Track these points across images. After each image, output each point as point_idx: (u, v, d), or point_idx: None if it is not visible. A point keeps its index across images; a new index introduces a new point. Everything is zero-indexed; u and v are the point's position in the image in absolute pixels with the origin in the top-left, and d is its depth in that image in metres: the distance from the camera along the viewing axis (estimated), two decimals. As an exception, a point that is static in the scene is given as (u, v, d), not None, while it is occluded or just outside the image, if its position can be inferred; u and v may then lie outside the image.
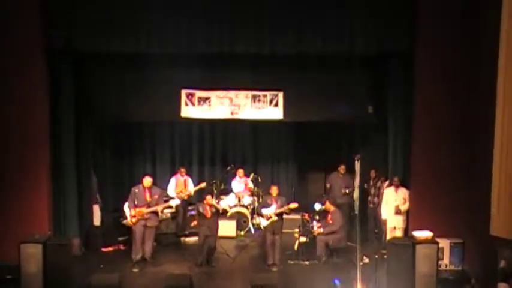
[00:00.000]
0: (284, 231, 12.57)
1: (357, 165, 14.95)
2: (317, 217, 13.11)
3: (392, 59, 12.47)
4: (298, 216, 13.58)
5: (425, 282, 10.37)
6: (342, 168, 14.10)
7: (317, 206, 13.46)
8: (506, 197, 10.53)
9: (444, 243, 11.33)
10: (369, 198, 13.77)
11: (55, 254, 10.36)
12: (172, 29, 11.77)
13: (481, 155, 10.99)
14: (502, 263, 10.49)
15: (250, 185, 14.72)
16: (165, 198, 12.82)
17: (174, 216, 13.88)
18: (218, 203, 13.28)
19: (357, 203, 14.64)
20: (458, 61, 11.39)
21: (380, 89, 13.21)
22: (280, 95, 13.24)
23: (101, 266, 11.87)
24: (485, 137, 10.77)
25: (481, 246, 11.17)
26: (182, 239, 13.77)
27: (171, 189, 13.89)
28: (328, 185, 14.09)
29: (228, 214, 14.05)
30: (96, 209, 13.47)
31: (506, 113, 10.41)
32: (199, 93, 13.31)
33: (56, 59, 12.03)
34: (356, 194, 14.69)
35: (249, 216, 14.23)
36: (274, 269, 11.95)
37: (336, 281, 10.42)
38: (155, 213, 12.04)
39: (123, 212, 12.59)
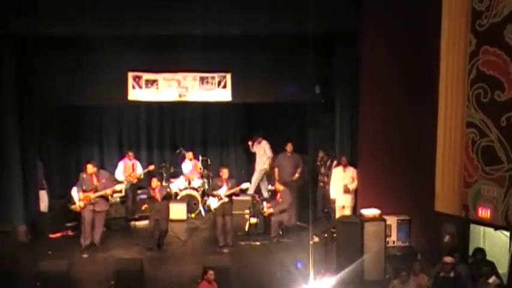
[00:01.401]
0: (235, 212, 12.61)
1: (257, 147, 14.99)
2: (267, 197, 13.19)
3: (339, 39, 12.58)
4: (248, 198, 13.62)
5: (374, 259, 10.60)
6: (289, 147, 14.14)
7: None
8: (449, 175, 10.85)
9: (391, 220, 11.55)
10: (319, 177, 13.90)
11: (0, 242, 10.12)
12: (118, 10, 11.56)
13: (426, 134, 11.24)
14: (447, 238, 10.81)
15: (200, 166, 14.66)
16: (113, 182, 12.64)
17: (123, 200, 13.72)
18: (168, 186, 13.20)
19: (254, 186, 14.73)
20: (402, 40, 11.56)
21: (327, 70, 13.32)
22: (228, 76, 13.20)
23: (49, 252, 11.69)
24: (430, 116, 11.03)
25: (426, 223, 11.47)
26: (132, 223, 13.64)
27: (119, 173, 13.73)
28: (275, 169, 14.12)
29: (178, 197, 14.00)
30: (43, 195, 13.22)
31: (448, 93, 10.72)
32: (146, 76, 13.15)
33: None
34: (255, 177, 14.81)
35: (200, 199, 14.19)
36: (226, 250, 11.98)
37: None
38: (104, 197, 11.89)
39: (71, 197, 12.36)
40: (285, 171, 13.92)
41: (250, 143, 15.05)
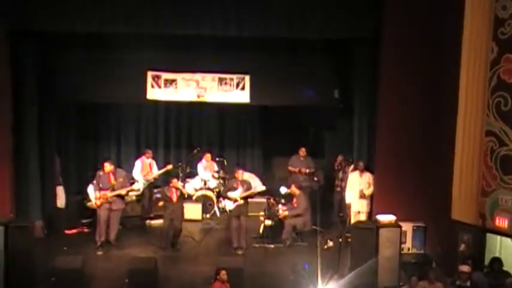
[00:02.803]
0: (250, 214, 12.60)
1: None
2: (282, 200, 13.17)
3: (358, 43, 12.52)
4: (263, 200, 13.60)
5: (388, 265, 10.51)
6: (302, 151, 14.13)
7: (283, 190, 13.53)
8: (467, 183, 10.77)
9: (407, 226, 11.48)
10: (336, 182, 13.85)
11: (17, 237, 10.17)
12: (138, 9, 11.61)
13: (444, 141, 11.17)
14: (462, 247, 10.74)
15: (215, 168, 14.67)
16: (131, 181, 12.71)
17: (139, 199, 13.76)
18: (184, 186, 13.23)
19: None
20: (423, 47, 11.48)
21: (346, 74, 13.29)
22: (247, 78, 13.22)
23: (65, 248, 11.76)
24: (449, 123, 10.96)
25: (442, 230, 11.39)
26: (147, 222, 13.66)
27: (137, 171, 13.76)
28: (291, 168, 14.11)
29: (194, 197, 14.02)
30: (60, 191, 13.31)
31: (468, 101, 10.64)
32: (165, 75, 13.21)
33: (18, 39, 11.77)
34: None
35: (215, 200, 14.20)
36: (240, 252, 11.98)
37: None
38: (120, 196, 11.95)
39: (87, 195, 12.44)
40: (298, 175, 13.89)
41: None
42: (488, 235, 10.88)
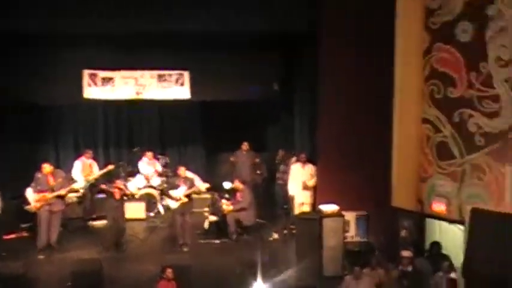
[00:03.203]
0: (194, 210, 12.57)
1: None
2: (226, 195, 13.17)
3: (299, 37, 12.63)
4: (207, 196, 13.58)
5: (332, 254, 10.70)
6: (244, 145, 14.19)
7: (226, 185, 13.55)
8: (405, 170, 11.07)
9: (350, 216, 11.65)
10: (278, 175, 13.96)
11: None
12: (73, 6, 11.40)
13: (383, 131, 11.39)
14: (403, 232, 11.00)
15: (158, 166, 14.54)
16: (70, 181, 12.46)
17: (80, 200, 13.50)
18: (126, 185, 13.07)
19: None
20: (360, 40, 11.66)
21: (287, 67, 13.38)
22: (186, 74, 13.16)
23: (3, 254, 11.43)
24: (387, 113, 11.20)
25: (384, 218, 11.63)
26: (89, 223, 13.44)
27: (77, 172, 13.50)
28: (232, 159, 14.14)
29: (137, 196, 13.87)
30: (-3, 196, 12.94)
31: (404, 90, 10.93)
32: (102, 74, 13.01)
33: None
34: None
35: (158, 198, 14.08)
36: (185, 249, 11.93)
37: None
38: (60, 197, 11.70)
39: (26, 198, 12.12)
40: (242, 169, 13.94)
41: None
42: (428, 220, 11.18)
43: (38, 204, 11.50)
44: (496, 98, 9.53)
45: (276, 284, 10.15)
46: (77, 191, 13.00)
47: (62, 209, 11.84)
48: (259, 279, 8.53)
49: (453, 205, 10.31)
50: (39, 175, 11.61)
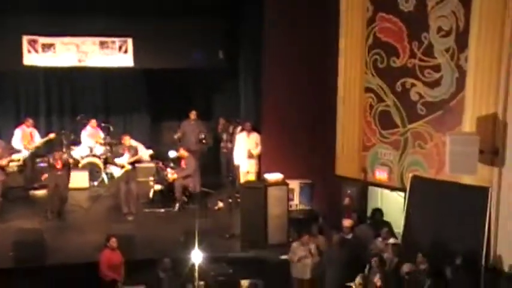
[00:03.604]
0: (139, 179, 12.46)
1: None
2: (171, 164, 13.10)
3: (244, 3, 12.52)
4: (152, 165, 13.49)
5: (277, 223, 10.79)
6: (192, 114, 14.10)
7: (171, 154, 13.46)
8: (349, 139, 11.22)
9: (294, 184, 11.81)
10: (222, 144, 13.94)
11: None
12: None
13: (327, 100, 11.49)
14: (346, 200, 11.17)
15: (101, 135, 14.32)
16: (11, 151, 12.16)
17: (21, 169, 13.21)
18: (69, 154, 12.85)
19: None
20: (305, 6, 11.64)
21: (231, 35, 13.29)
22: (130, 41, 12.96)
23: None
24: (331, 81, 11.28)
25: (328, 186, 11.80)
26: (31, 192, 13.18)
27: (17, 141, 13.16)
28: (179, 134, 14.03)
29: (80, 165, 13.66)
30: None
31: (348, 59, 11.03)
32: (42, 40, 12.68)
33: None
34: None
35: (102, 166, 13.90)
36: (130, 218, 11.84)
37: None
38: (0, 167, 11.40)
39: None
40: (189, 138, 13.86)
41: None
42: (371, 188, 11.40)
43: (-24, 174, 11.18)
44: (437, 68, 9.70)
45: (221, 253, 10.26)
46: (17, 160, 12.72)
47: (1, 179, 11.56)
48: (196, 247, 8.53)
49: (395, 173, 10.53)
50: (-23, 144, 11.27)
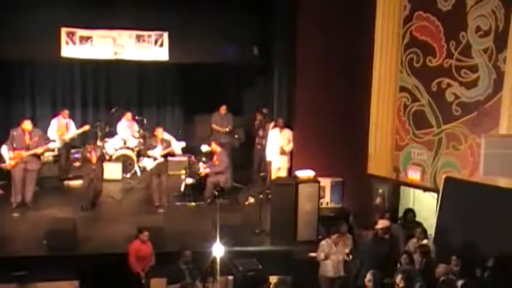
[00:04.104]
0: (171, 173, 12.56)
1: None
2: (203, 158, 13.16)
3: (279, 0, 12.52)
4: (184, 158, 13.57)
5: (307, 220, 10.76)
6: (222, 109, 14.15)
7: (203, 148, 13.53)
8: (382, 138, 11.14)
9: (325, 182, 11.77)
10: (257, 140, 13.96)
11: None
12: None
13: (360, 97, 11.42)
14: (378, 200, 11.10)
15: (136, 127, 14.47)
16: (46, 141, 12.36)
17: (56, 159, 13.44)
18: (102, 146, 13.01)
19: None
20: (340, 5, 11.58)
21: (266, 31, 13.29)
22: (166, 35, 13.03)
23: (-22, 211, 11.38)
24: (366, 80, 11.20)
25: (359, 185, 11.73)
26: (65, 182, 13.40)
27: (52, 131, 13.39)
28: (213, 125, 14.11)
29: (114, 157, 13.82)
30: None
31: (383, 58, 10.93)
32: (80, 32, 12.82)
33: None
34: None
35: (135, 159, 14.05)
36: (161, 210, 11.94)
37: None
38: (36, 156, 11.58)
39: (1, 156, 12.01)
40: (219, 132, 13.92)
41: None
42: (403, 188, 11.30)
43: (13, 162, 11.36)
44: (474, 68, 9.56)
45: (250, 248, 10.29)
46: (52, 150, 12.93)
47: (37, 168, 11.74)
48: (218, 240, 8.60)
49: (428, 173, 10.42)
50: (15, 133, 11.45)
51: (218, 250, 8.60)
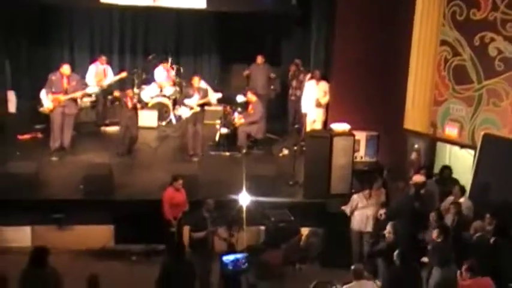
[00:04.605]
0: (206, 122, 12.59)
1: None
2: (239, 109, 13.14)
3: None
4: (220, 108, 13.57)
5: (341, 173, 10.73)
6: (259, 58, 13.99)
7: (239, 98, 13.52)
8: (420, 92, 10.95)
9: (360, 135, 11.66)
10: (290, 91, 13.86)
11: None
12: None
13: (400, 51, 11.20)
14: (413, 155, 10.99)
15: (173, 75, 14.47)
16: (83, 86, 12.46)
17: (93, 105, 13.56)
18: (140, 93, 13.05)
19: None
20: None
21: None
22: (204, -17, 12.87)
23: (18, 153, 11.59)
24: (405, 33, 10.95)
25: (394, 139, 11.61)
26: (102, 128, 13.54)
27: (90, 77, 13.47)
28: (247, 72, 14.01)
29: (150, 105, 13.89)
30: (11, 95, 12.98)
31: (424, 10, 10.67)
32: (120, -22, 12.75)
33: None
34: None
35: (171, 107, 14.09)
36: (195, 159, 12.02)
37: None
38: (73, 100, 11.69)
39: (40, 99, 12.18)
40: (255, 82, 13.84)
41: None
42: (439, 144, 11.15)
43: (51, 106, 11.50)
44: (520, 22, 9.26)
45: (283, 199, 10.34)
46: (90, 95, 13.05)
47: (75, 113, 11.87)
48: (244, 190, 8.64)
49: (466, 130, 10.24)
50: (53, 77, 11.55)
51: (244, 199, 8.67)
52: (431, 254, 7.94)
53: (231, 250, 8.68)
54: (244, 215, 8.74)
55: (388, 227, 8.41)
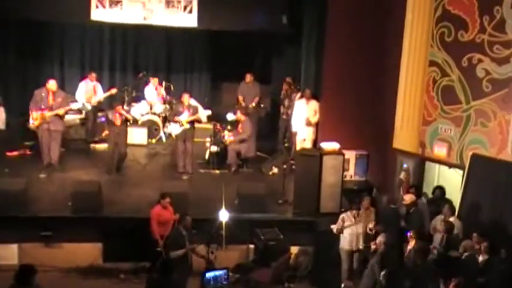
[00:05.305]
0: (196, 140, 12.59)
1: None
2: (229, 127, 13.16)
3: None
4: (210, 126, 13.58)
5: (330, 192, 10.74)
6: (247, 77, 14.07)
7: (229, 116, 13.53)
8: (409, 112, 11.02)
9: (350, 154, 11.71)
10: (282, 110, 13.90)
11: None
12: None
13: (389, 71, 11.29)
14: (402, 174, 11.02)
15: (163, 93, 14.49)
16: (70, 102, 12.40)
17: (83, 122, 13.55)
18: (129, 111, 13.06)
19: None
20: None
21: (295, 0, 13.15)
22: (195, 1, 12.95)
23: (6, 170, 11.52)
24: (394, 53, 11.05)
25: (384, 158, 11.66)
26: (92, 145, 13.51)
27: (80, 94, 13.47)
28: (240, 97, 14.09)
29: (139, 122, 13.88)
30: (1, 112, 12.90)
31: (413, 31, 10.74)
32: (110, -4, 12.81)
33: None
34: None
35: (161, 125, 14.09)
36: (185, 177, 12.01)
37: None
38: (59, 117, 11.61)
39: (29, 116, 12.13)
40: (245, 100, 13.89)
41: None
42: (427, 163, 11.20)
43: (36, 122, 11.45)
44: (507, 44, 9.34)
45: (273, 218, 10.33)
46: (76, 111, 13.02)
47: (61, 129, 11.75)
48: (223, 208, 8.72)
49: (454, 150, 10.30)
50: (39, 93, 11.49)
51: (224, 216, 8.65)
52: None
53: (210, 267, 8.61)
54: (223, 232, 8.72)
55: (380, 238, 8.40)
